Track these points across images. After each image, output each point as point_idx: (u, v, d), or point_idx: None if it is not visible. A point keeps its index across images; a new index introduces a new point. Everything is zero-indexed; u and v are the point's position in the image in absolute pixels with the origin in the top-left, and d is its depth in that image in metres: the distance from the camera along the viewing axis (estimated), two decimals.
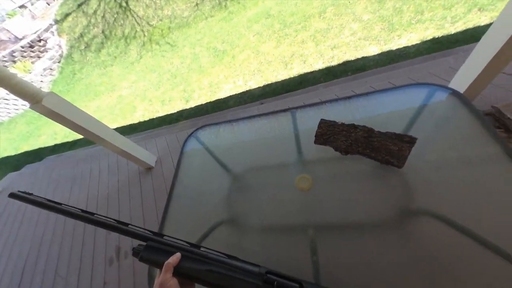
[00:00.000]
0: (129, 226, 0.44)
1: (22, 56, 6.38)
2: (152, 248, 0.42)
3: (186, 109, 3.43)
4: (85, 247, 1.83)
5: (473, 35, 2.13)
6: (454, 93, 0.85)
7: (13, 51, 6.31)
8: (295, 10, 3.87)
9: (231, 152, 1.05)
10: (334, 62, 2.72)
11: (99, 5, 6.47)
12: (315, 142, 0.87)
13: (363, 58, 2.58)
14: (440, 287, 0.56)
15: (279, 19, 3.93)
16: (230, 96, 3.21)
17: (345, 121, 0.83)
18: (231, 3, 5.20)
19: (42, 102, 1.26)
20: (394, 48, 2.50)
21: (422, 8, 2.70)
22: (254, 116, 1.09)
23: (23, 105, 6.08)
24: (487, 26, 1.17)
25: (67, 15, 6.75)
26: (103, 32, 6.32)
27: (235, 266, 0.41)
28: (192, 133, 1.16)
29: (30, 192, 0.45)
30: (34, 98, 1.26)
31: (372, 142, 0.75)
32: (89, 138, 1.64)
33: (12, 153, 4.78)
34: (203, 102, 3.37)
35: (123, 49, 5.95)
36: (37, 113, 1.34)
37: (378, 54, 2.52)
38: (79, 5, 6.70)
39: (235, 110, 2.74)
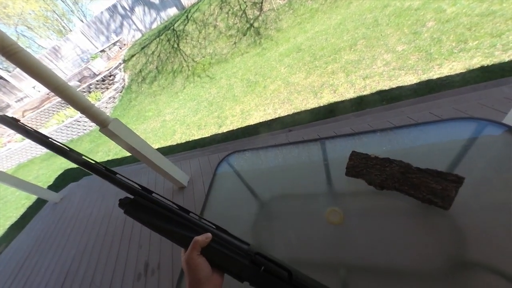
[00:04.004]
0: (117, 175, 0.41)
1: (95, 88, 7.95)
2: (139, 204, 0.40)
3: (218, 134, 3.69)
4: (118, 260, 1.96)
5: None
6: (510, 129, 0.77)
7: (90, 84, 7.93)
8: (325, 44, 4.08)
9: (260, 178, 1.08)
10: (367, 92, 2.69)
11: (157, 47, 7.87)
12: (346, 174, 0.85)
13: (399, 87, 2.50)
14: None
15: (309, 52, 4.17)
16: (260, 123, 3.36)
17: (378, 154, 0.81)
18: (265, 40, 5.78)
19: (108, 126, 1.54)
20: (434, 77, 2.38)
21: (465, 37, 2.58)
22: (283, 144, 1.14)
23: (89, 126, 7.34)
24: None
25: (132, 56, 8.34)
26: (157, 68, 7.55)
27: (224, 239, 0.39)
28: (225, 157, 1.24)
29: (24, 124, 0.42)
30: (103, 123, 1.55)
31: (411, 179, 0.70)
32: (137, 157, 1.88)
33: (75, 166, 5.65)
34: (235, 128, 3.59)
35: (170, 81, 6.94)
36: (99, 133, 1.62)
37: (416, 84, 2.42)
38: (142, 48, 8.26)
39: (264, 137, 2.83)
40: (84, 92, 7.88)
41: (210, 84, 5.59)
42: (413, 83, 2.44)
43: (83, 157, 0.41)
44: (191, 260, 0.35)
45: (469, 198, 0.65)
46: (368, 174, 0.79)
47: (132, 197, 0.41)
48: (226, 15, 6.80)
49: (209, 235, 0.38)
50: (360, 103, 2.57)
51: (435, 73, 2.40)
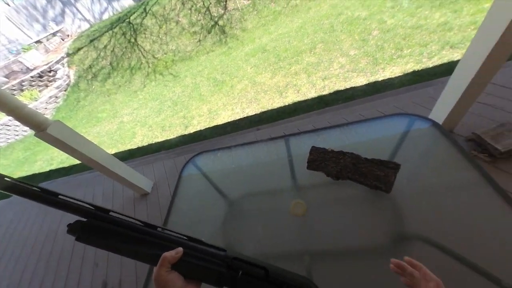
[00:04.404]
0: (59, 196, 0.33)
1: (30, 85, 6.70)
2: (94, 227, 0.34)
3: (185, 135, 3.52)
4: (68, 284, 1.70)
5: (448, 69, 2.36)
6: (433, 123, 0.93)
7: (23, 81, 6.65)
8: (288, 46, 4.27)
9: (227, 178, 1.07)
10: (326, 92, 2.92)
11: (109, 40, 7.05)
12: (307, 168, 0.91)
13: (352, 88, 2.78)
14: None
15: (274, 53, 4.30)
16: (228, 122, 3.33)
17: (335, 147, 0.89)
18: (231, 39, 5.74)
19: (47, 130, 1.32)
20: (379, 79, 2.73)
21: (401, 46, 3.02)
22: (249, 143, 1.15)
23: (23, 131, 6.15)
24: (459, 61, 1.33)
25: (79, 49, 7.29)
26: (110, 64, 6.77)
27: (198, 250, 0.37)
28: (190, 159, 1.20)
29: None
30: (39, 127, 1.32)
31: (360, 168, 0.79)
32: (89, 164, 1.66)
33: None
34: (202, 128, 3.48)
35: (128, 79, 6.30)
36: (36, 139, 1.38)
37: (366, 85, 2.73)
38: (91, 41, 7.30)
39: (232, 136, 2.82)
40: (14, 90, 6.56)
41: (174, 83, 5.28)
42: (363, 84, 2.75)
43: (6, 179, 0.31)
44: (160, 277, 0.34)
45: (405, 182, 0.77)
46: (326, 167, 0.86)
47: (84, 219, 0.34)
48: (189, 11, 6.51)
49: (179, 249, 0.36)
50: (320, 102, 2.77)
51: (380, 76, 2.75)
